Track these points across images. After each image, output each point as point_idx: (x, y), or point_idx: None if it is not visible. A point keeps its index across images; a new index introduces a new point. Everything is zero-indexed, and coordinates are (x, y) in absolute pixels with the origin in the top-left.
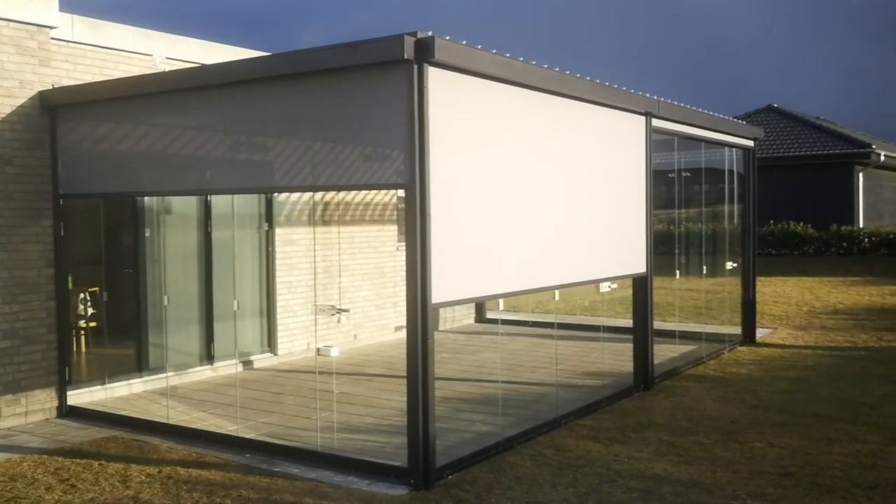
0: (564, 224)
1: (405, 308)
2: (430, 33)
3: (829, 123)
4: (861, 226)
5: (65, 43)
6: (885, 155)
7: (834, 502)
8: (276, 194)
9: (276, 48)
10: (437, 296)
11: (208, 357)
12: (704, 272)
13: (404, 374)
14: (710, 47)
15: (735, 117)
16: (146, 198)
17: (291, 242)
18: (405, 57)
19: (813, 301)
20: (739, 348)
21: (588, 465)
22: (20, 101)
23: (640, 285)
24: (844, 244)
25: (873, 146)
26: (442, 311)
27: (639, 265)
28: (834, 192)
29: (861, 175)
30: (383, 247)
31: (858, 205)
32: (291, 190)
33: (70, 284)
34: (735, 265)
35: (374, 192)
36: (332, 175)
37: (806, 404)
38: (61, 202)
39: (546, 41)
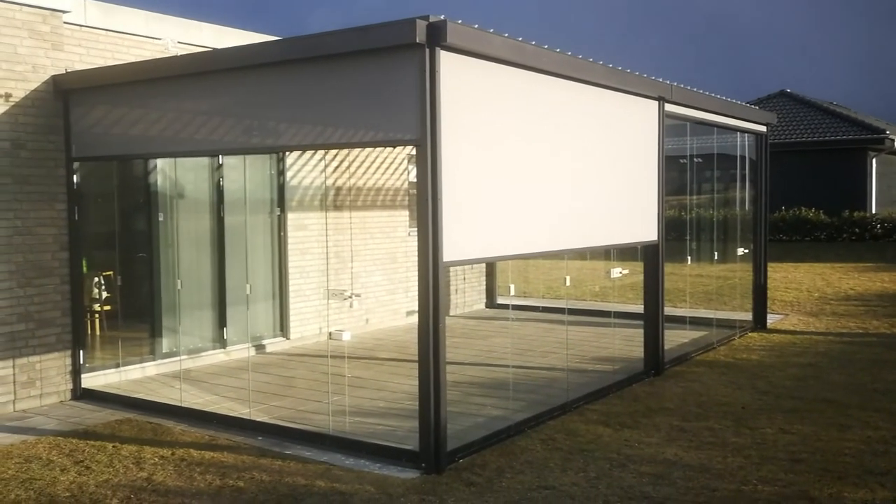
0: (576, 193)
1: (416, 293)
2: (442, 17)
3: (843, 109)
4: (874, 212)
5: (77, 27)
6: None
7: (845, 488)
8: (287, 179)
9: (286, 31)
10: (448, 254)
11: (221, 341)
12: (716, 258)
13: (415, 358)
14: (723, 32)
15: (748, 102)
16: (159, 182)
17: (303, 227)
18: (417, 41)
19: (824, 287)
20: (750, 334)
21: (599, 450)
22: (34, 86)
23: (652, 253)
24: (856, 230)
25: (887, 132)
26: (453, 296)
27: (650, 234)
28: (847, 178)
29: (874, 161)
30: (395, 232)
31: (871, 191)
32: (302, 148)
33: (84, 268)
34: (746, 251)
35: (385, 176)
36: (344, 134)
37: (817, 390)
38: (74, 167)
39: (559, 27)
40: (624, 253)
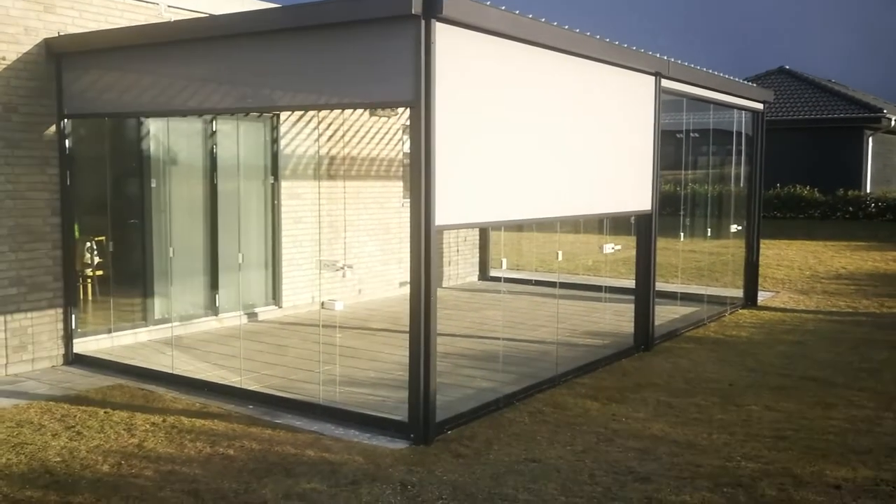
0: (570, 163)
1: (409, 264)
2: None
3: (841, 87)
4: (868, 191)
5: None
6: None
7: (827, 466)
8: (281, 147)
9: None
10: (440, 218)
11: (213, 308)
12: (709, 234)
13: (407, 329)
14: (723, 6)
15: (746, 79)
16: (152, 149)
17: (297, 196)
18: (413, 12)
19: (816, 265)
20: (741, 311)
21: (586, 424)
22: (25, 49)
23: (645, 224)
24: (850, 209)
25: (884, 111)
26: (446, 268)
27: (644, 204)
28: (843, 157)
29: (871, 140)
30: (388, 203)
31: (867, 170)
32: (295, 108)
33: (76, 233)
34: (739, 228)
35: (379, 147)
36: (336, 94)
37: (804, 368)
38: (65, 123)
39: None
40: (617, 228)
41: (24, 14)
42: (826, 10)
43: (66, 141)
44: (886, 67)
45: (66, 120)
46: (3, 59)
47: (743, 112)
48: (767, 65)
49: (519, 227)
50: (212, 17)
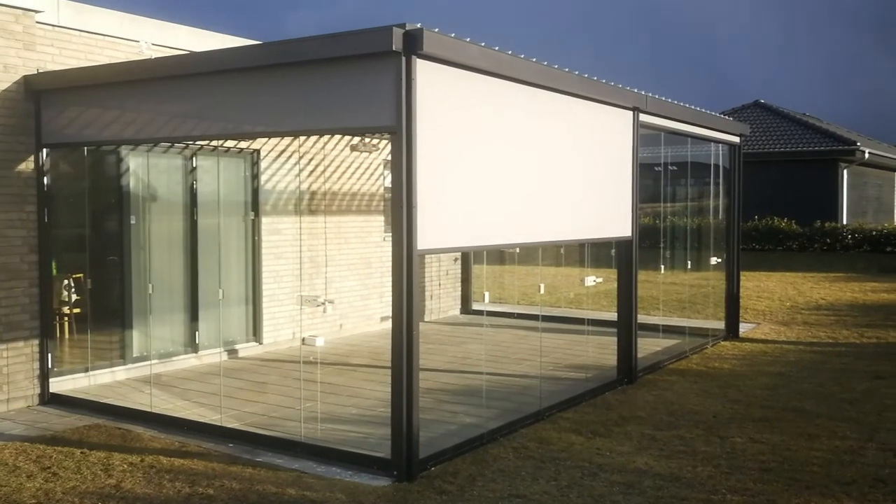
0: (550, 192)
1: (391, 299)
2: (418, 25)
3: (816, 120)
4: (845, 222)
5: (50, 27)
6: (869, 152)
7: (812, 498)
8: (262, 183)
9: (264, 35)
10: (422, 242)
11: (193, 345)
12: (689, 267)
13: (389, 364)
14: (699, 42)
15: (722, 112)
16: (132, 185)
17: (277, 231)
18: (394, 49)
19: (796, 297)
20: (723, 343)
21: (570, 459)
22: (4, 86)
23: (625, 250)
24: (828, 240)
25: (858, 143)
26: (428, 302)
27: (625, 230)
28: (819, 189)
29: (846, 172)
30: (370, 237)
31: (842, 201)
32: (278, 135)
33: (54, 271)
34: (719, 260)
35: (360, 181)
36: (318, 121)
37: (787, 400)
38: (44, 152)
39: (533, 32)
40: (598, 260)
41: (3, 52)
42: (801, 46)
43: (45, 178)
44: (859, 103)
45: (45, 156)
46: None
47: (720, 145)
48: (743, 99)
49: (501, 259)
50: (192, 55)
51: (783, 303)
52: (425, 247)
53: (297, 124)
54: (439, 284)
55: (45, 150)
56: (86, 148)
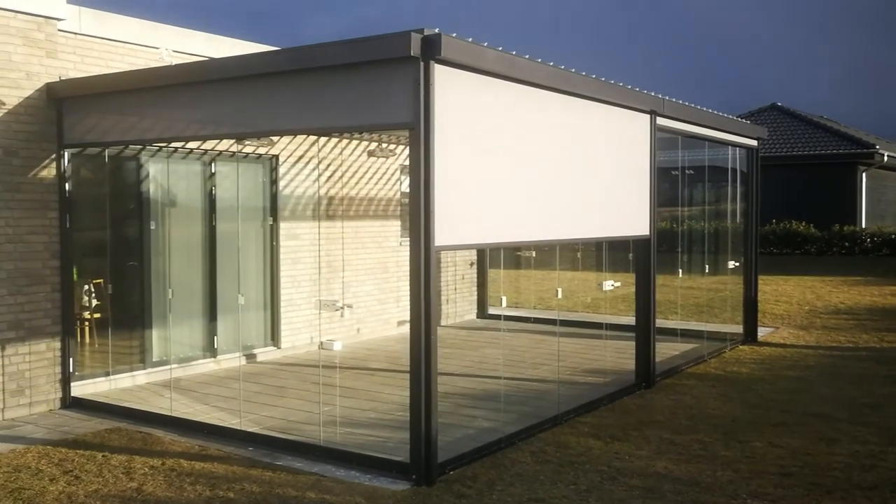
0: (567, 191)
1: (409, 303)
2: (436, 30)
3: (833, 123)
4: (863, 226)
5: (72, 35)
6: (888, 155)
7: (833, 503)
8: (280, 188)
9: (281, 41)
10: (440, 238)
11: (211, 350)
12: (707, 271)
13: (406, 368)
14: (715, 45)
15: (739, 116)
16: (151, 191)
17: (295, 237)
18: (412, 54)
19: (815, 301)
20: (741, 347)
21: (589, 463)
22: (27, 93)
23: (643, 249)
24: (846, 244)
25: (877, 146)
26: (444, 306)
27: (643, 228)
28: (837, 192)
29: (864, 175)
30: (386, 242)
31: (861, 205)
32: (296, 132)
33: (75, 276)
34: (737, 264)
35: (377, 187)
36: (338, 120)
37: (807, 404)
38: (66, 159)
39: (550, 36)
40: (616, 264)
41: (26, 59)
42: (817, 49)
43: (66, 184)
44: (877, 105)
45: (66, 162)
46: (4, 104)
47: (737, 149)
48: (760, 102)
49: (517, 264)
50: (210, 61)
51: (802, 307)
52: (442, 243)
53: (319, 121)
54: (455, 289)
55: (66, 155)
56: (107, 154)
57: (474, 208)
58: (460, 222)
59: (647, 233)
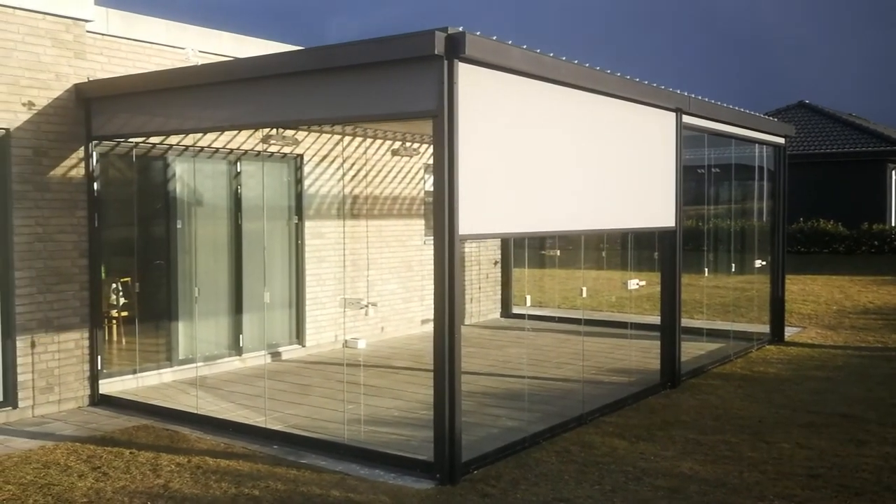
0: (593, 183)
1: (432, 301)
2: (460, 29)
3: (862, 120)
4: (893, 224)
5: (100, 36)
6: None
7: None
8: (305, 187)
9: (305, 40)
10: (464, 227)
11: (237, 348)
12: (733, 270)
13: (430, 367)
14: (742, 43)
15: (766, 113)
16: (178, 190)
17: (320, 235)
18: (436, 52)
19: (843, 300)
20: (768, 347)
21: (614, 463)
22: (56, 94)
23: (669, 241)
24: (875, 243)
25: None
26: (468, 305)
27: (668, 220)
28: (865, 190)
29: (893, 173)
30: (410, 241)
31: (891, 203)
32: (321, 122)
33: (103, 274)
34: (764, 263)
35: (401, 185)
36: (360, 106)
37: (835, 405)
38: (94, 159)
39: (576, 35)
40: (640, 263)
41: (55, 60)
42: (845, 45)
43: (95, 184)
44: None
45: (95, 162)
46: (34, 104)
47: (764, 147)
48: (787, 99)
49: (541, 263)
50: (236, 61)
51: (829, 306)
52: (467, 231)
53: (343, 114)
54: (479, 287)
55: (94, 155)
56: (134, 153)
57: (498, 199)
58: (484, 212)
59: (673, 224)
